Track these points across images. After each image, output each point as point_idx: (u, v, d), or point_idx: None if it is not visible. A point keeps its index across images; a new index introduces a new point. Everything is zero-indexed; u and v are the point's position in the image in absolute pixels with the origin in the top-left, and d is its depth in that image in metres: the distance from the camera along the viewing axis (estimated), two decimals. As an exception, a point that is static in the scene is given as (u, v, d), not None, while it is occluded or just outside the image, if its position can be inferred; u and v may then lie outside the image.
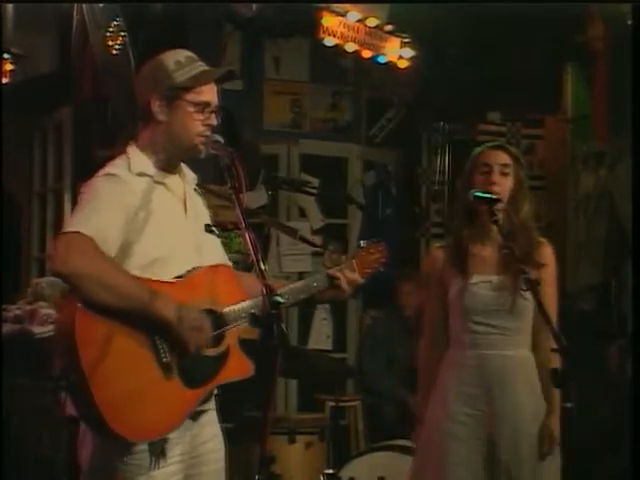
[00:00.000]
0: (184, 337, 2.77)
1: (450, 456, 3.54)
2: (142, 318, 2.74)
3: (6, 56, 6.31)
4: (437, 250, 3.76)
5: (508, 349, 3.58)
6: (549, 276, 3.63)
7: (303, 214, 6.85)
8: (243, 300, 2.95)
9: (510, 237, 3.49)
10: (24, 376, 5.40)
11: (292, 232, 5.78)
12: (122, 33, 5.71)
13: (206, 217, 3.10)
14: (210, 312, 2.89)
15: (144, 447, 2.79)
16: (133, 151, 2.97)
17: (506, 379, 3.56)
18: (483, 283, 3.58)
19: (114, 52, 5.74)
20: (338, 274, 3.13)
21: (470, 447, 3.53)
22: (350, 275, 3.16)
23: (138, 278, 2.80)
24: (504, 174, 3.59)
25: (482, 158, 3.63)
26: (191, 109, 2.92)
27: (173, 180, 3.00)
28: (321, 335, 6.86)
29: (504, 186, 3.57)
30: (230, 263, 3.15)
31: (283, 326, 2.56)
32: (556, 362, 3.28)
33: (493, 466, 3.52)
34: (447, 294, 3.65)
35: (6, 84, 6.32)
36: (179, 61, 2.95)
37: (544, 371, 3.56)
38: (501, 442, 3.52)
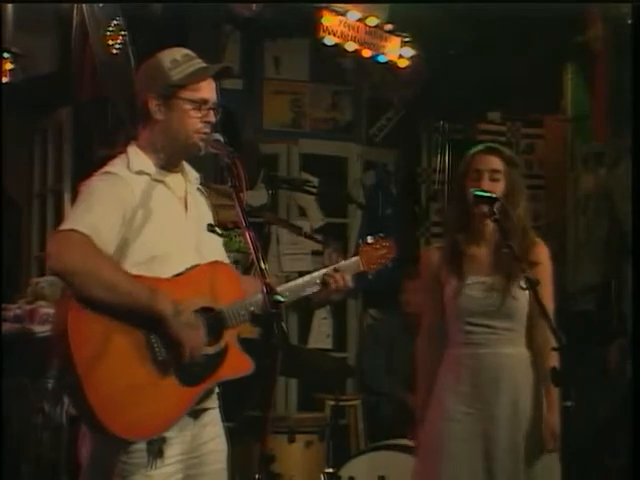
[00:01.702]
0: (180, 336, 2.76)
1: (448, 455, 3.54)
2: (137, 316, 2.74)
3: (6, 56, 6.30)
4: (433, 250, 3.80)
5: (503, 348, 3.61)
6: (545, 275, 3.65)
7: (303, 213, 6.85)
8: (242, 298, 2.94)
9: (506, 237, 3.50)
10: (24, 376, 5.40)
11: (297, 230, 5.79)
12: (122, 33, 5.71)
13: (209, 216, 3.10)
14: (209, 310, 2.88)
15: (142, 446, 2.79)
16: (133, 150, 2.97)
17: (501, 377, 3.58)
18: (477, 284, 3.61)
19: (114, 52, 5.74)
20: (329, 279, 3.10)
21: (468, 445, 3.54)
22: (339, 279, 3.13)
23: (135, 276, 2.79)
24: (494, 180, 3.61)
25: (473, 163, 3.65)
26: (188, 106, 2.92)
27: (174, 179, 3.00)
28: (321, 334, 6.86)
29: (495, 191, 3.57)
30: (228, 262, 3.15)
31: (283, 325, 2.56)
32: (554, 361, 3.32)
33: (491, 464, 3.53)
34: (443, 294, 3.67)
35: (6, 84, 6.32)
36: (175, 59, 2.95)
37: (541, 369, 3.59)
38: (498, 440, 3.53)
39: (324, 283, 3.11)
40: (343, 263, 3.18)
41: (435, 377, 3.68)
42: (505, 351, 3.60)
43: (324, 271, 3.14)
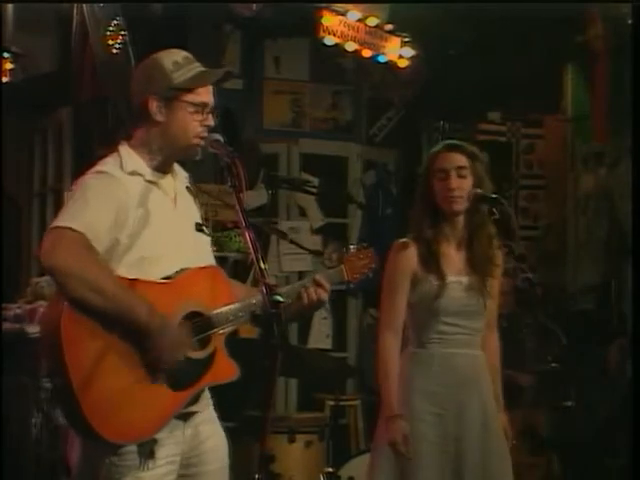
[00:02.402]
0: (162, 349, 2.74)
1: (418, 456, 3.51)
2: (124, 322, 2.73)
3: (6, 55, 6.31)
4: (405, 247, 3.66)
5: (474, 348, 3.62)
6: (499, 275, 3.69)
7: (303, 213, 6.85)
8: (231, 303, 2.93)
9: (506, 237, 3.51)
10: (24, 376, 5.40)
11: (282, 235, 5.79)
12: (122, 33, 5.71)
13: (197, 216, 3.08)
14: (197, 315, 2.87)
15: (132, 448, 2.77)
16: (125, 150, 2.95)
17: (472, 378, 3.59)
18: (455, 284, 3.59)
19: (114, 51, 5.74)
20: (304, 294, 3.04)
21: (437, 447, 3.52)
22: (313, 296, 3.07)
23: (125, 279, 2.77)
24: (461, 176, 3.57)
25: (438, 163, 3.61)
26: (190, 110, 2.92)
27: (165, 180, 2.98)
28: (321, 334, 6.86)
29: (463, 189, 3.56)
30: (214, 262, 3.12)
31: (283, 325, 2.56)
32: (497, 358, 3.61)
33: (461, 465, 3.51)
34: (413, 292, 3.62)
35: (6, 83, 6.32)
36: (177, 61, 2.93)
37: (491, 370, 3.66)
38: (470, 440, 3.52)
39: (298, 297, 3.05)
40: (327, 272, 3.18)
41: (399, 375, 3.62)
42: (474, 352, 3.62)
43: (295, 285, 3.13)
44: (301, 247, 5.93)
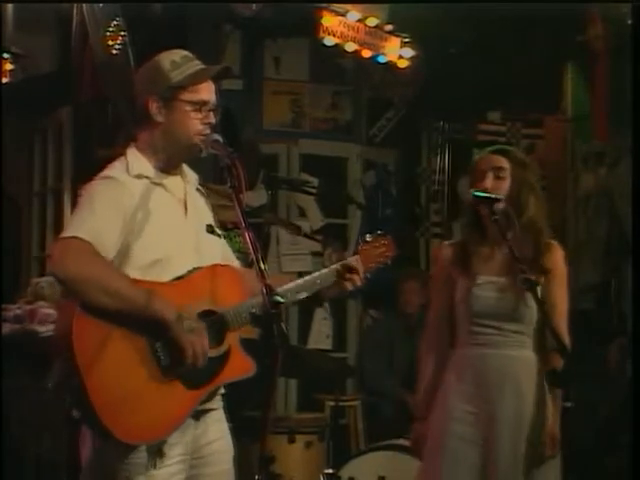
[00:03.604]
0: (183, 342, 2.75)
1: (449, 454, 3.53)
2: (140, 322, 2.74)
3: (6, 56, 6.31)
4: (445, 248, 3.75)
5: (509, 349, 3.58)
6: (558, 278, 3.62)
7: (303, 214, 6.85)
8: (244, 300, 2.94)
9: (514, 238, 3.49)
10: (24, 376, 5.40)
11: (296, 229, 5.79)
12: (122, 33, 5.71)
13: (208, 217, 3.09)
14: (211, 313, 2.88)
15: (143, 447, 2.79)
16: (132, 153, 2.96)
17: (506, 379, 3.55)
18: (487, 284, 3.58)
19: (114, 52, 5.74)
20: (344, 270, 3.11)
21: (468, 445, 3.53)
22: (354, 270, 3.14)
23: (137, 281, 2.79)
24: (499, 178, 3.57)
25: (479, 164, 3.63)
26: (189, 108, 2.92)
27: (173, 181, 2.99)
28: (321, 335, 6.86)
29: (499, 189, 3.55)
30: (237, 262, 3.14)
31: (283, 325, 2.56)
32: (557, 363, 3.30)
33: (490, 466, 3.51)
34: (454, 293, 3.65)
35: (6, 84, 6.32)
36: (175, 61, 2.94)
37: (545, 372, 3.57)
38: (499, 442, 3.50)
39: (337, 279, 3.10)
40: (343, 263, 3.17)
41: (440, 376, 3.66)
42: (511, 353, 3.57)
43: (324, 271, 3.14)
44: (313, 239, 5.93)
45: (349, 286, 3.14)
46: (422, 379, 3.73)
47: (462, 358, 3.63)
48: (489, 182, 3.57)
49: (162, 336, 2.75)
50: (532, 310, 3.54)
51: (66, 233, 2.78)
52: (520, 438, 3.51)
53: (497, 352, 3.58)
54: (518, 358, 3.59)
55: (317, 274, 3.13)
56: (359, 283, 3.16)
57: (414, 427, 3.74)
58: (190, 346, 2.76)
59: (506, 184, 3.58)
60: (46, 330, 5.49)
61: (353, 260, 3.18)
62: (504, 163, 3.60)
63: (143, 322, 2.73)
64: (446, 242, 3.80)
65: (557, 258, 3.66)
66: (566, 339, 3.48)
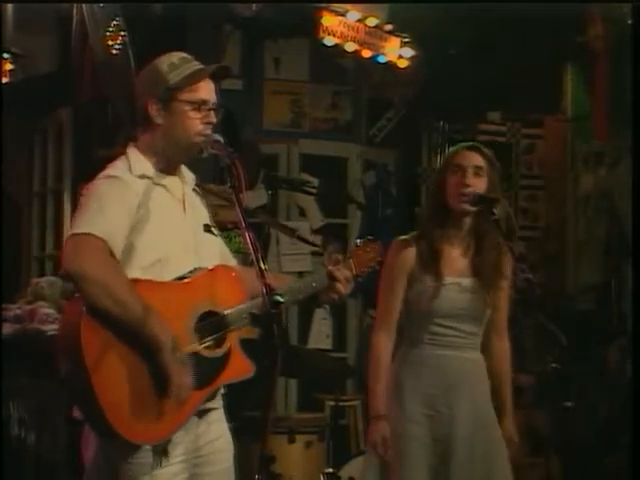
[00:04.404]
0: (170, 372, 2.73)
1: (407, 457, 3.51)
2: (139, 335, 2.73)
3: (6, 56, 6.31)
4: (405, 245, 3.64)
5: (467, 351, 3.60)
6: (508, 282, 3.67)
7: (303, 214, 6.85)
8: (244, 301, 2.94)
9: (505, 238, 3.49)
10: (24, 376, 5.40)
11: (290, 232, 5.78)
12: (122, 33, 5.71)
13: (205, 217, 3.10)
14: (212, 314, 2.89)
15: (147, 447, 2.79)
16: (133, 153, 2.97)
17: (465, 380, 3.57)
18: (452, 285, 3.57)
19: (114, 52, 5.74)
20: (336, 272, 3.10)
21: (427, 448, 3.52)
22: (346, 273, 3.13)
23: (139, 280, 2.79)
24: (478, 175, 3.56)
25: (455, 159, 3.60)
26: (188, 108, 2.92)
27: (172, 181, 2.99)
28: (321, 334, 6.86)
29: (478, 187, 3.54)
30: (234, 261, 3.14)
31: (283, 325, 2.56)
32: (506, 366, 3.57)
33: (449, 468, 3.50)
34: (409, 291, 3.62)
35: (6, 84, 6.33)
36: (173, 62, 2.95)
37: (496, 374, 3.64)
38: (457, 443, 3.51)
39: (330, 282, 3.09)
40: (336, 267, 3.17)
41: (391, 375, 3.62)
42: (468, 355, 3.60)
43: (325, 271, 3.13)
44: (309, 243, 5.93)
45: (341, 290, 3.12)
46: (381, 377, 3.62)
47: (420, 358, 3.60)
48: (469, 179, 3.54)
49: (154, 357, 2.75)
50: (488, 312, 3.59)
51: (79, 229, 2.76)
52: (478, 439, 3.52)
53: (456, 354, 3.58)
54: (473, 360, 3.62)
55: (313, 276, 3.13)
56: (348, 289, 3.14)
57: (376, 427, 3.59)
58: (176, 380, 2.74)
59: (483, 182, 3.57)
60: (46, 330, 5.49)
61: (346, 264, 3.17)
62: (481, 162, 3.58)
63: (140, 337, 2.73)
64: (403, 237, 3.67)
65: (509, 261, 3.65)
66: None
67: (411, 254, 3.61)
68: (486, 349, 3.66)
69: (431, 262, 3.58)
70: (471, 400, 3.56)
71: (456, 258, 3.61)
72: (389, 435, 3.54)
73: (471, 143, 3.71)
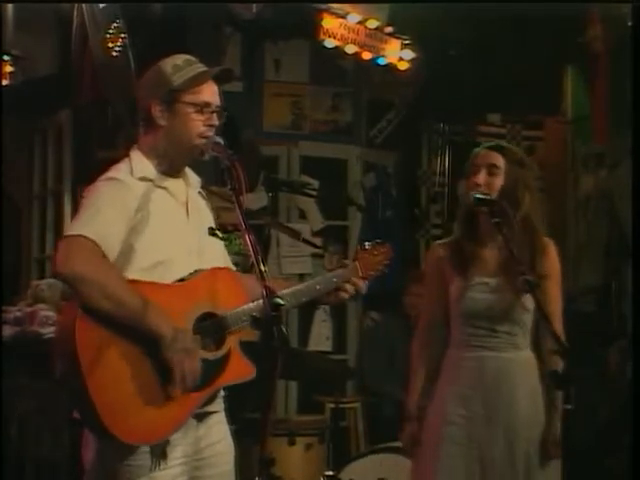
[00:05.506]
0: (173, 363, 2.74)
1: (445, 458, 3.51)
2: (137, 331, 2.74)
3: (6, 58, 6.31)
4: (438, 248, 3.71)
5: (506, 351, 3.55)
6: (554, 278, 3.60)
7: (303, 216, 6.85)
8: (245, 303, 2.94)
9: (510, 237, 3.47)
10: (24, 377, 5.41)
11: (295, 234, 5.79)
12: (122, 35, 5.71)
13: (210, 220, 3.10)
14: (212, 315, 2.89)
15: (145, 448, 2.79)
16: (136, 155, 2.97)
17: (503, 381, 3.53)
18: (481, 285, 3.55)
19: (114, 54, 5.75)
20: (346, 285, 3.13)
21: (464, 449, 3.50)
22: (356, 281, 3.15)
23: (139, 282, 2.79)
24: (492, 174, 3.54)
25: (475, 159, 3.60)
26: (190, 110, 2.93)
27: (175, 184, 3.00)
28: (321, 336, 6.85)
29: (491, 186, 3.52)
30: (231, 266, 3.15)
31: (283, 328, 2.56)
32: (557, 364, 3.28)
33: (487, 470, 3.49)
34: (448, 294, 3.63)
35: (6, 86, 6.33)
36: (176, 65, 2.96)
37: (546, 373, 3.54)
38: (495, 445, 3.49)
39: (338, 289, 3.12)
40: (341, 271, 3.18)
41: (433, 376, 3.64)
42: (507, 355, 3.54)
43: (325, 277, 3.14)
44: (315, 246, 5.94)
45: (348, 294, 3.15)
46: (414, 379, 3.69)
47: (457, 359, 3.60)
48: (482, 178, 3.53)
49: (156, 350, 2.74)
50: (529, 310, 3.53)
51: (72, 231, 2.78)
52: (517, 440, 3.49)
53: (494, 355, 3.54)
54: (513, 360, 3.56)
55: (317, 279, 3.14)
56: (363, 291, 3.17)
57: (405, 427, 3.69)
58: (179, 370, 2.74)
59: (499, 181, 3.55)
60: (46, 332, 5.49)
61: (352, 267, 3.18)
62: (499, 160, 3.56)
63: (139, 332, 2.73)
64: (439, 242, 3.75)
65: (552, 257, 3.63)
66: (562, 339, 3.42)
67: (442, 257, 3.65)
68: (537, 348, 3.59)
69: (460, 263, 3.59)
70: (510, 401, 3.51)
71: (487, 258, 3.60)
72: (430, 437, 3.56)
73: (495, 143, 3.72)
